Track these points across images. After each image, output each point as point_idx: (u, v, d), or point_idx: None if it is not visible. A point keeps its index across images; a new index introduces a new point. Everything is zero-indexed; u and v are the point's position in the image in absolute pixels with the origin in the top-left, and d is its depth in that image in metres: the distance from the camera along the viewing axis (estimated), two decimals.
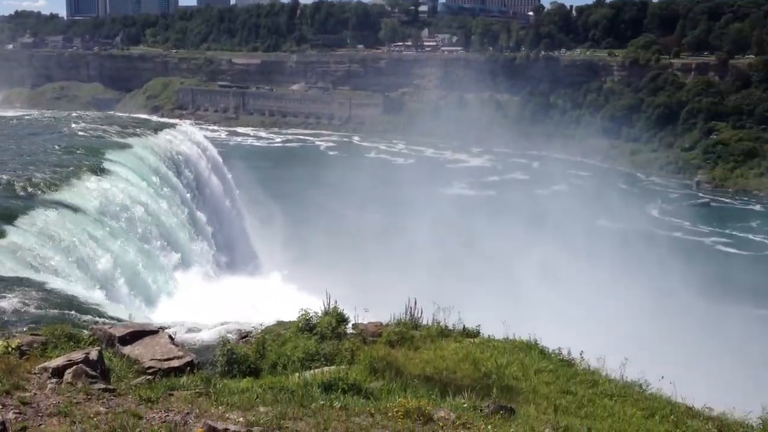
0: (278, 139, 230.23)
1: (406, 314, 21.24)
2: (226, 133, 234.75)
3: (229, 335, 20.59)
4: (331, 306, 19.91)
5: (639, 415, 14.89)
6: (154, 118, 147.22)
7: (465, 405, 13.17)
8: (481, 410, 13.14)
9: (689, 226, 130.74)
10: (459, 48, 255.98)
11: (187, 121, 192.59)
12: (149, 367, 15.03)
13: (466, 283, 72.63)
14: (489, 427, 11.79)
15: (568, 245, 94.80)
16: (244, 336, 20.79)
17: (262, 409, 11.91)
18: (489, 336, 20.63)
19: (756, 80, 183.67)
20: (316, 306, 20.24)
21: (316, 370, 15.30)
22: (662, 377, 17.07)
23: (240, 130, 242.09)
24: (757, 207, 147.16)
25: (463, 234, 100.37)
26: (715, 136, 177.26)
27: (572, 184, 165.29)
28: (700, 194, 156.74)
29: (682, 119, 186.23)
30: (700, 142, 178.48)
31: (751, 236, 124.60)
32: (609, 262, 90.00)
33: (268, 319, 23.25)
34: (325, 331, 18.38)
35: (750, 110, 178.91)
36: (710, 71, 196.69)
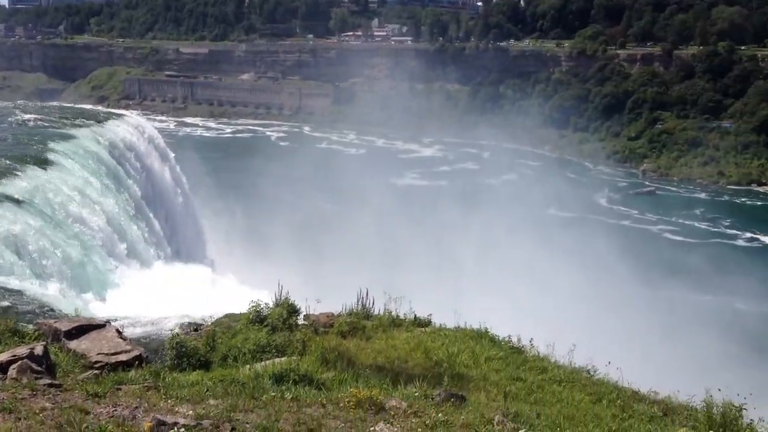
0: (228, 130, 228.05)
1: (357, 304, 21.29)
2: (175, 123, 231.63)
3: (179, 328, 20.37)
4: (283, 297, 19.84)
5: (587, 399, 15.18)
6: (100, 108, 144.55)
7: (416, 394, 13.26)
8: (432, 398, 13.26)
9: (637, 214, 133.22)
10: (409, 38, 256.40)
11: (135, 112, 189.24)
12: (96, 362, 14.79)
13: (418, 272, 72.96)
14: (440, 414, 11.89)
15: (519, 234, 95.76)
16: (194, 329, 20.59)
17: (212, 401, 11.82)
18: (440, 325, 20.80)
19: (699, 71, 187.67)
20: (268, 297, 20.15)
21: (267, 362, 15.22)
22: (609, 362, 17.41)
23: (188, 120, 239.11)
24: (702, 195, 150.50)
25: (415, 224, 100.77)
26: (660, 126, 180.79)
27: (522, 173, 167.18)
28: (647, 183, 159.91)
29: (628, 109, 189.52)
30: (645, 131, 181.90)
31: (696, 224, 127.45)
32: (560, 250, 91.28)
33: (218, 311, 23.07)
34: (276, 323, 18.30)
35: (694, 100, 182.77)
36: (655, 62, 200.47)
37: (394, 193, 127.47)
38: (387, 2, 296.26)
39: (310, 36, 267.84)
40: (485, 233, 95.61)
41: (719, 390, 12.65)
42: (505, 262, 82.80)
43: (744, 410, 12.07)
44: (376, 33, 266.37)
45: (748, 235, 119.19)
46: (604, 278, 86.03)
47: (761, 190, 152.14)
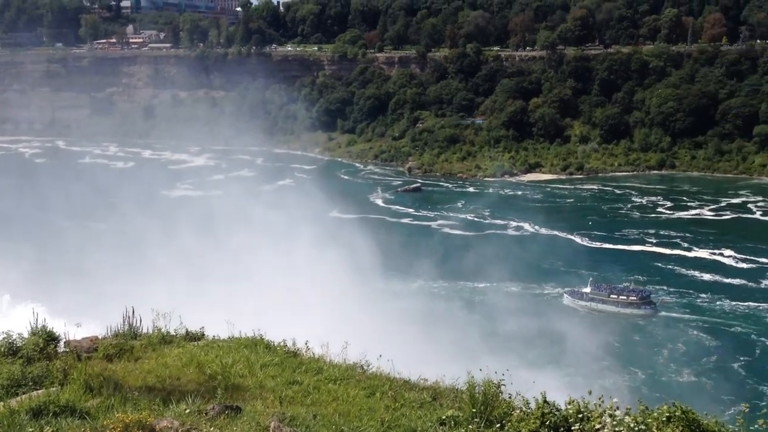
0: None
1: (123, 324, 20.21)
2: None
3: None
4: (39, 325, 18.38)
5: (361, 394, 15.47)
6: None
7: (187, 411, 12.85)
8: (206, 413, 12.91)
9: (413, 211, 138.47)
10: (168, 45, 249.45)
11: None
12: None
13: (192, 285, 71.00)
14: (213, 429, 11.61)
15: (300, 239, 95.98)
16: None
17: None
18: (214, 337, 20.31)
19: (452, 71, 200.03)
20: (22, 326, 18.58)
21: (23, 396, 14.02)
22: (380, 356, 17.88)
23: None
24: (469, 189, 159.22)
25: (188, 236, 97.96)
26: (420, 125, 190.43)
27: (297, 178, 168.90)
28: (419, 180, 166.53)
29: (390, 110, 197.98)
30: (408, 130, 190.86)
31: (469, 216, 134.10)
32: (342, 252, 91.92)
33: None
34: (32, 353, 16.89)
35: (449, 99, 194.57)
36: (411, 64, 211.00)
37: (166, 206, 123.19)
38: (141, 8, 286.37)
39: (59, 45, 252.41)
40: (265, 241, 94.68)
41: (480, 370, 13.37)
42: (285, 268, 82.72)
43: (503, 386, 12.85)
44: (132, 40, 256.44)
45: (514, 224, 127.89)
46: (383, 276, 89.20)
47: (513, 180, 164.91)
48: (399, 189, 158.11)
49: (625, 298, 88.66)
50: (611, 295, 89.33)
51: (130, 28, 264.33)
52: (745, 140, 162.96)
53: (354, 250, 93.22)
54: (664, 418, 10.20)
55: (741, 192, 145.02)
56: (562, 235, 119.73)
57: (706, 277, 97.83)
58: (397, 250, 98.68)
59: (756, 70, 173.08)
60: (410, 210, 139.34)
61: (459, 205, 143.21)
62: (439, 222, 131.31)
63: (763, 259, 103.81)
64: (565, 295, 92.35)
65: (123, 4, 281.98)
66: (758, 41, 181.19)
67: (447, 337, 66.88)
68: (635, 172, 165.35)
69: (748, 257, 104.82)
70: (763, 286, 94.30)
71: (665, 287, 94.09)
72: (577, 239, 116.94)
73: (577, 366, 69.84)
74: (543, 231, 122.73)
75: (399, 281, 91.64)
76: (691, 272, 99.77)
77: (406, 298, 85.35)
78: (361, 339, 20.20)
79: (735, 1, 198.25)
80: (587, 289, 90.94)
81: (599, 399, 10.87)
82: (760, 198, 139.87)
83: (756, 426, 10.77)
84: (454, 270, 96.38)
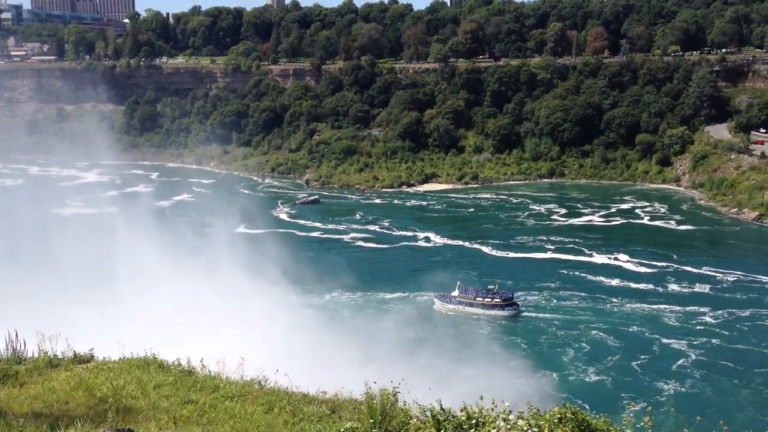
0: None
1: (6, 349, 19.22)
2: None
3: None
4: None
5: (259, 411, 15.21)
6: None
7: None
8: None
9: (321, 225, 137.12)
10: (52, 57, 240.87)
11: None
12: None
13: (82, 307, 68.22)
14: None
15: (209, 257, 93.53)
16: None
17: None
18: (104, 358, 19.58)
19: (347, 83, 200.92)
20: None
21: None
22: (277, 371, 17.65)
23: None
24: (377, 200, 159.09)
25: (80, 256, 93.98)
26: (317, 137, 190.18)
27: (195, 192, 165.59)
28: (323, 192, 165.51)
29: (286, 122, 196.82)
30: (305, 143, 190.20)
31: (378, 229, 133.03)
32: (255, 269, 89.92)
33: None
34: None
35: (345, 111, 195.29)
36: (306, 76, 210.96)
37: (58, 225, 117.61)
38: (23, 20, 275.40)
39: None
40: (168, 259, 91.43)
41: (374, 382, 13.35)
42: (188, 286, 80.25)
43: (398, 393, 12.90)
44: (13, 52, 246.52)
45: (422, 235, 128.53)
46: (295, 290, 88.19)
47: (411, 191, 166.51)
48: (297, 201, 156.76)
49: (489, 300, 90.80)
50: (477, 298, 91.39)
51: (11, 41, 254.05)
52: (628, 148, 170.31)
53: (264, 266, 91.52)
54: (556, 420, 10.50)
55: (626, 198, 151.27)
56: (468, 244, 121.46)
57: (610, 281, 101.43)
58: (310, 264, 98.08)
59: (636, 81, 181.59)
60: (318, 224, 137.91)
61: (358, 216, 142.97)
62: (352, 235, 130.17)
63: (656, 262, 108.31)
64: (435, 300, 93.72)
65: (3, 16, 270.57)
66: (637, 54, 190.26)
67: (352, 347, 66.70)
68: (527, 181, 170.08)
69: (642, 261, 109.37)
70: (660, 288, 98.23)
71: (575, 292, 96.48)
72: (484, 248, 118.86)
73: (487, 368, 70.91)
74: (450, 242, 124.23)
75: (312, 294, 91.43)
76: (595, 277, 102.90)
77: (314, 311, 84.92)
78: (261, 355, 19.97)
79: (615, 15, 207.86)
80: (455, 293, 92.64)
81: (492, 403, 11.05)
82: (646, 203, 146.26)
83: (642, 424, 11.18)
84: (368, 281, 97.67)
